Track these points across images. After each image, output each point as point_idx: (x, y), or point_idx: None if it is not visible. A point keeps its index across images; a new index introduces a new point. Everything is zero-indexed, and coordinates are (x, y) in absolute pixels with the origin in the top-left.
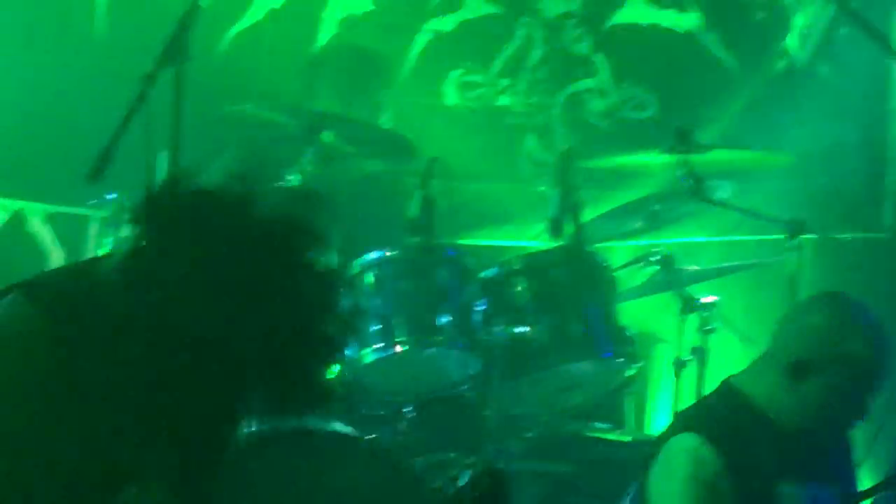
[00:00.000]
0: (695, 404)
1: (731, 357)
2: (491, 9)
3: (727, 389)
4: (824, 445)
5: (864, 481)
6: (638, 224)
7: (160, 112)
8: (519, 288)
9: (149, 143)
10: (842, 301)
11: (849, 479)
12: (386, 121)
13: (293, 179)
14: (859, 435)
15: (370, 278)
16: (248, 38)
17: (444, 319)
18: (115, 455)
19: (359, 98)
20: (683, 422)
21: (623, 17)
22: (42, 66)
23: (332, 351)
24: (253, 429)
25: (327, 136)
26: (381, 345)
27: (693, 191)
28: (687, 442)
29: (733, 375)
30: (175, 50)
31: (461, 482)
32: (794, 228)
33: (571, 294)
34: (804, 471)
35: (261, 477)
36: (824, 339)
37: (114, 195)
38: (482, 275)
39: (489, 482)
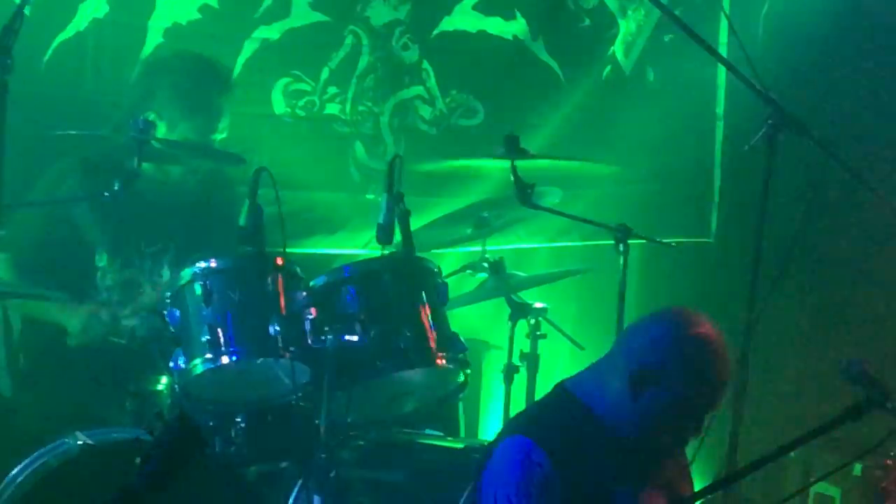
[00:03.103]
0: (528, 408)
1: (561, 362)
2: (318, 17)
3: (561, 393)
4: (660, 452)
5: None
6: (467, 231)
7: None
8: (349, 296)
9: None
10: (686, 315)
11: (683, 484)
12: (223, 128)
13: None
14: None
15: (199, 288)
16: (72, 47)
17: (275, 328)
18: None
19: (198, 102)
20: (516, 425)
21: (450, 24)
22: None
23: None
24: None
25: (156, 143)
26: (211, 355)
27: (521, 197)
28: (518, 445)
29: (568, 378)
30: None
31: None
32: (622, 234)
33: (402, 301)
34: (637, 476)
35: (90, 488)
36: (666, 352)
37: None
38: (312, 283)
39: (179, 425)
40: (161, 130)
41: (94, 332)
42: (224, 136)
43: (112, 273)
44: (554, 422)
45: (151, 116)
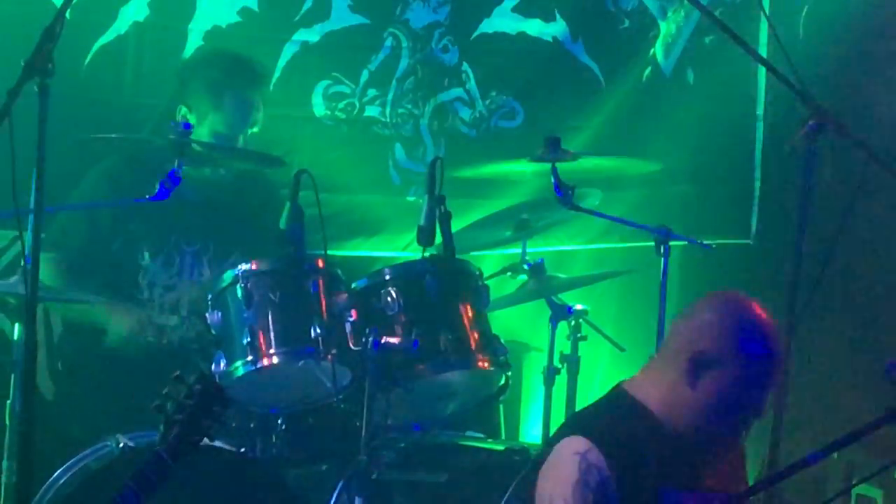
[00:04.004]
0: (586, 407)
1: (601, 364)
2: (358, 19)
3: (619, 394)
4: (715, 452)
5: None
6: (508, 233)
7: (25, 126)
8: (389, 298)
9: (13, 158)
10: (733, 296)
11: (738, 487)
12: (257, 123)
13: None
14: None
15: (240, 290)
16: (112, 50)
17: (316, 331)
18: None
19: (227, 93)
20: (574, 424)
21: (490, 26)
22: None
23: None
24: (123, 444)
25: (196, 146)
26: (252, 357)
27: (562, 199)
28: (576, 445)
29: (625, 380)
30: (39, 63)
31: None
32: (662, 235)
33: (443, 304)
34: (691, 478)
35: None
36: (722, 334)
37: None
38: (353, 286)
39: (199, 387)
40: (192, 122)
41: (136, 335)
42: (256, 130)
43: (154, 271)
44: (611, 422)
45: (183, 111)
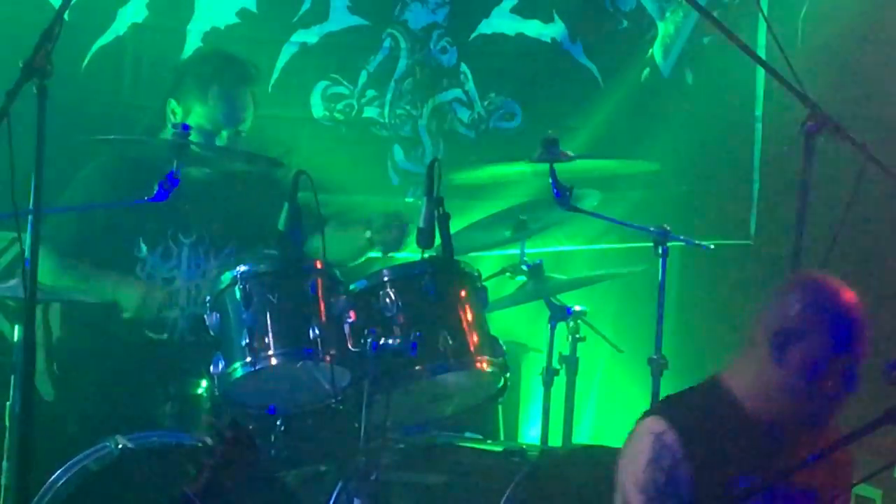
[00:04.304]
0: (678, 392)
1: (600, 365)
2: (356, 20)
3: (711, 382)
4: (804, 440)
5: None
6: (506, 234)
7: (23, 128)
8: (388, 299)
9: (12, 159)
10: (810, 273)
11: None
12: (247, 117)
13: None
14: None
15: (239, 292)
16: (111, 52)
17: (314, 332)
18: None
19: (214, 88)
20: (658, 406)
21: (488, 27)
22: None
23: None
24: (122, 445)
25: (195, 147)
26: (251, 359)
27: (560, 200)
28: (653, 426)
29: (720, 371)
30: (38, 64)
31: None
32: (661, 236)
33: (441, 305)
34: (776, 470)
35: (130, 492)
36: (801, 306)
37: None
38: (352, 287)
39: (231, 434)
40: (178, 116)
41: (151, 304)
42: (244, 128)
43: (153, 264)
44: (695, 407)
45: (172, 104)
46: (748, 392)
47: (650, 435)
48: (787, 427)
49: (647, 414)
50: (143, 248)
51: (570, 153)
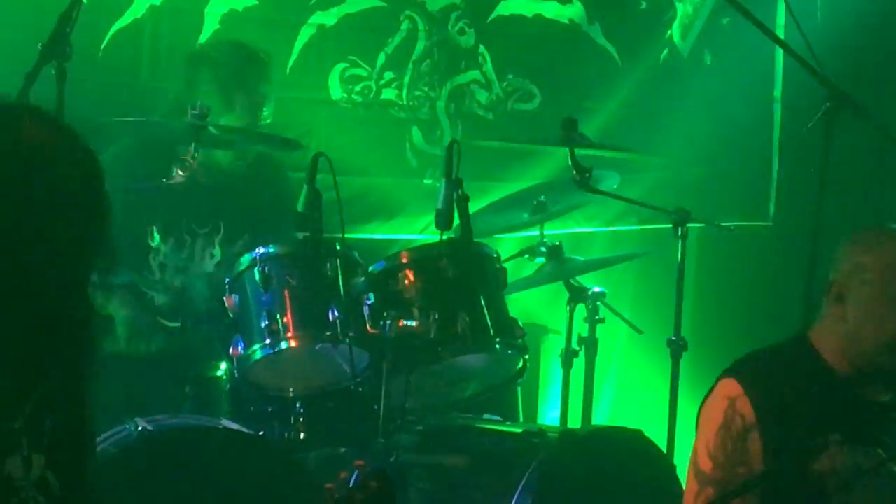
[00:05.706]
0: (764, 349)
1: (619, 347)
2: (374, 2)
3: (798, 339)
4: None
5: None
6: (525, 215)
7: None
8: (407, 281)
9: None
10: (861, 228)
11: None
12: (268, 115)
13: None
14: None
15: (258, 274)
16: (129, 34)
17: (333, 314)
18: None
19: (239, 94)
20: (739, 364)
21: (506, 8)
22: None
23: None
24: (142, 427)
25: (213, 129)
26: (270, 341)
27: (579, 181)
28: (729, 389)
29: (805, 328)
30: (56, 47)
31: (351, 483)
32: (680, 218)
33: (460, 287)
34: (853, 430)
35: (150, 474)
36: (852, 252)
37: None
38: (370, 269)
39: (377, 484)
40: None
41: (138, 317)
42: (269, 121)
43: (165, 253)
44: (775, 370)
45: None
46: (834, 351)
47: (724, 399)
48: (872, 378)
49: (726, 373)
50: (157, 236)
51: (589, 135)
